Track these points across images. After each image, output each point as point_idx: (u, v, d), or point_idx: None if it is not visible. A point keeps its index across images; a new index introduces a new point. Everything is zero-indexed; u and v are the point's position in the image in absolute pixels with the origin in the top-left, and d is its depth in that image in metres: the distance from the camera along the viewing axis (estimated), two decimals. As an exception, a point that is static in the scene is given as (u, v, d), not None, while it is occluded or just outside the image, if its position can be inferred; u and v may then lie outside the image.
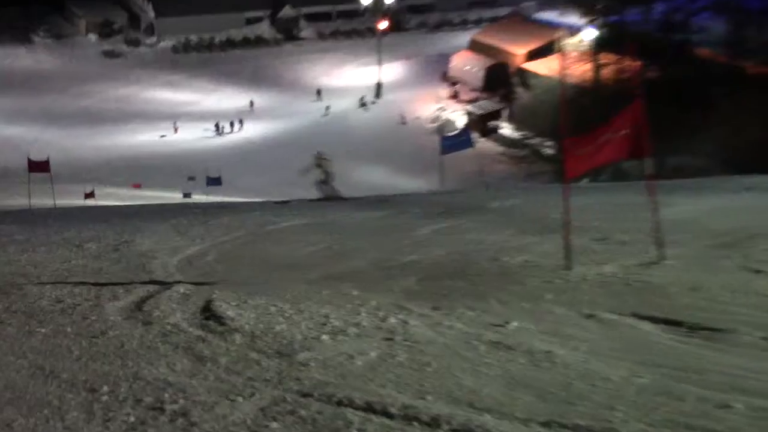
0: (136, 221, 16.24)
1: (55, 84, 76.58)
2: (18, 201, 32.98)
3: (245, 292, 8.28)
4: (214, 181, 45.22)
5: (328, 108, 70.72)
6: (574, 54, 56.41)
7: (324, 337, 6.38)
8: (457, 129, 53.75)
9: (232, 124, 68.98)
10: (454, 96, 69.66)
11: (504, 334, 6.33)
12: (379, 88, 73.44)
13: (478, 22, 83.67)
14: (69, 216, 18.96)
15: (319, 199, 22.54)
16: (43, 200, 29.82)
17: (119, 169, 56.83)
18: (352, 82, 76.63)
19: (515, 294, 7.95)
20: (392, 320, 6.87)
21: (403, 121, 66.49)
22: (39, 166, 29.75)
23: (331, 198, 22.35)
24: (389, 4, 79.79)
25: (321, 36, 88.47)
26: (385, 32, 79.21)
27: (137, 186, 50.53)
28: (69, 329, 7.01)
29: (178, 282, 9.18)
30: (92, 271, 10.51)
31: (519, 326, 6.57)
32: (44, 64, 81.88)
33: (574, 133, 9.19)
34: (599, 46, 56.16)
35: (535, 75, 61.71)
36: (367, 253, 11.39)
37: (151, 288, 8.78)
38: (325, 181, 23.84)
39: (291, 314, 7.19)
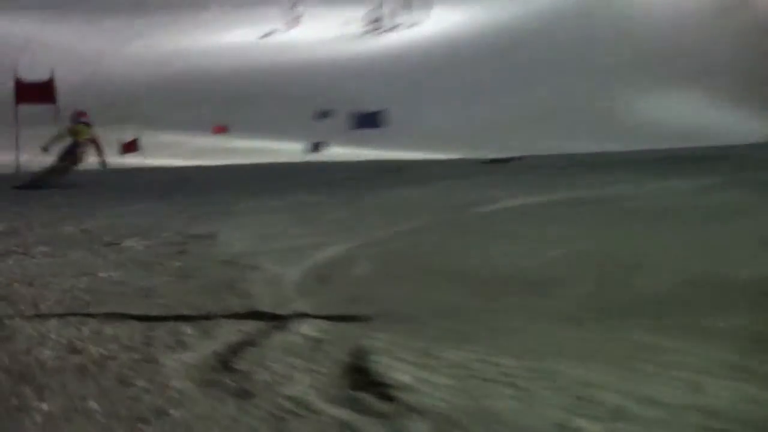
0: (219, 198, 16.59)
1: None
2: (-4, 157, 34.28)
3: (430, 336, 8.23)
4: (367, 121, 45.91)
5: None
6: None
7: (587, 425, 6.22)
8: None
9: (401, 11, 69.85)
10: None
11: None
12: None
13: None
14: (92, 187, 19.51)
15: (18, 187, 23.03)
16: (42, 156, 30.85)
17: (186, 99, 58.39)
18: None
19: None
20: (724, 393, 6.66)
21: (735, 3, 65.84)
22: (35, 93, 30.23)
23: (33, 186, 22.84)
24: None
25: None
26: None
27: (221, 130, 51.85)
28: (94, 405, 7.06)
29: (302, 315, 9.21)
30: (136, 292, 10.68)
31: None
32: None
33: None
34: None
35: None
36: (672, 260, 11.28)
37: (250, 327, 8.84)
38: (72, 161, 24.25)
39: (521, 380, 7.07)
